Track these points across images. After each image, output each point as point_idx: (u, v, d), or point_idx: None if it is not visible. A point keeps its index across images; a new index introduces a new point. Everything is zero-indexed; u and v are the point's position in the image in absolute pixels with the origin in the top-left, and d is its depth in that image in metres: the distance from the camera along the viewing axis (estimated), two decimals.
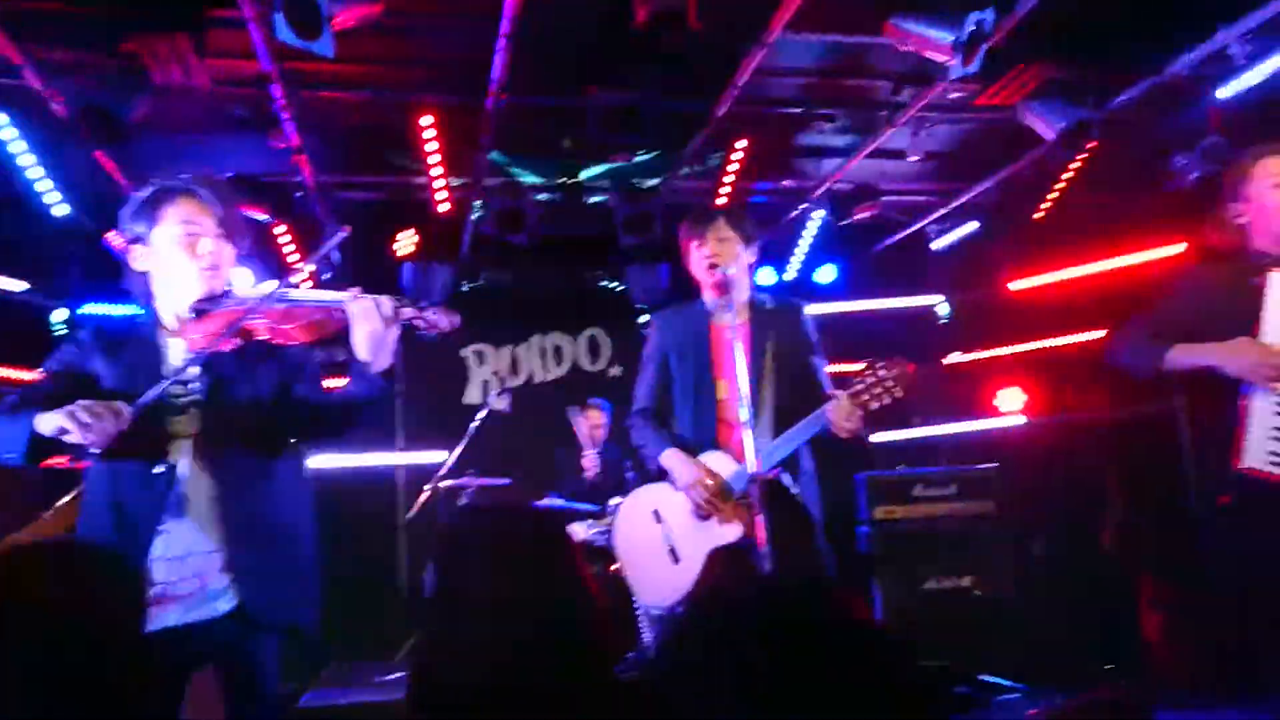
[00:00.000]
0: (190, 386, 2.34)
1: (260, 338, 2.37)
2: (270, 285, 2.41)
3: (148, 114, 4.24)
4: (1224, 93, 4.60)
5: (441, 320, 2.38)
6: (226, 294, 2.39)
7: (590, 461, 6.17)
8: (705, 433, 3.23)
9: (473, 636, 1.38)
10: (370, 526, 6.73)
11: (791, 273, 7.32)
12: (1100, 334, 5.84)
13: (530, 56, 4.11)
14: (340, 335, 2.38)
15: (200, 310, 2.35)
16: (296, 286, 2.74)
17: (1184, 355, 2.84)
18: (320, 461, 6.70)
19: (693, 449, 3.22)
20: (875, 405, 2.95)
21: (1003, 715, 5.09)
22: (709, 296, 3.33)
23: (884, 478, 6.19)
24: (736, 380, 2.91)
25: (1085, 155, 5.53)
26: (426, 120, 5.05)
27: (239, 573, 2.27)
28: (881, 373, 2.94)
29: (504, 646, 1.35)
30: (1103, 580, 6.19)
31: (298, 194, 5.68)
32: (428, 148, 5.21)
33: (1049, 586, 6.17)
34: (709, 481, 3.12)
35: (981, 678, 5.84)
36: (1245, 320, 2.78)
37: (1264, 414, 2.73)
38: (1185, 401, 5.91)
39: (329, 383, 2.56)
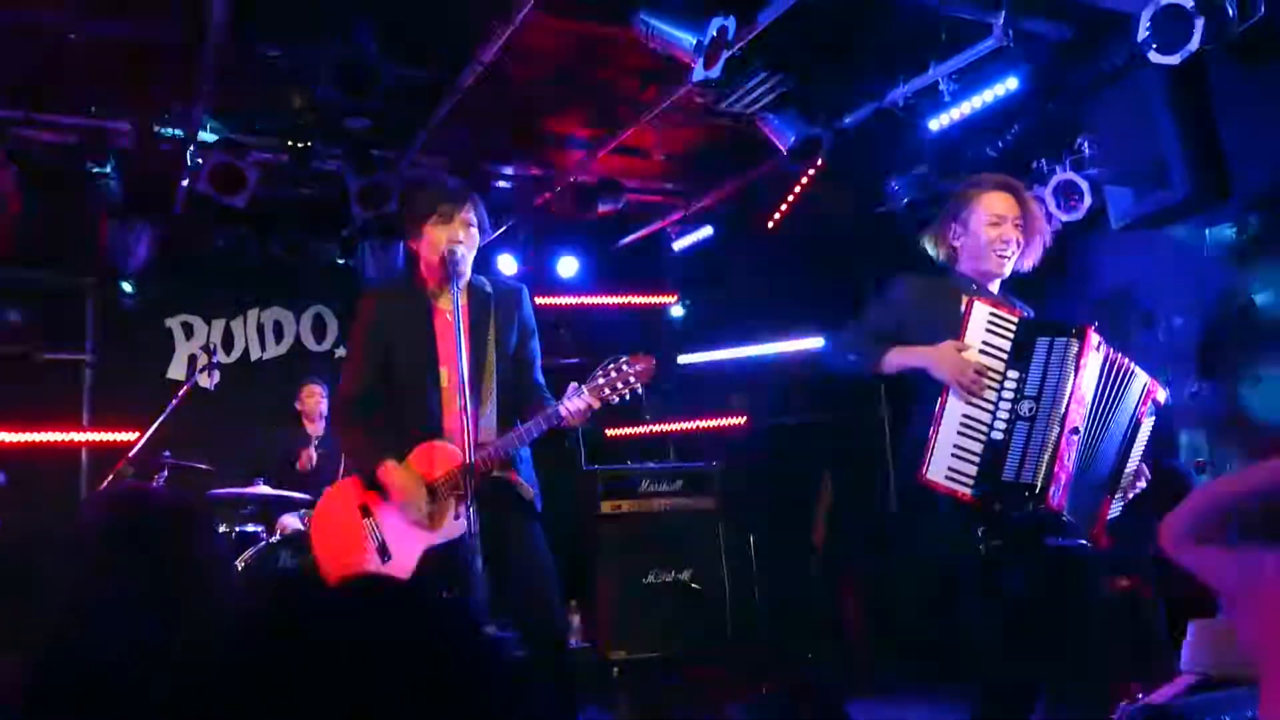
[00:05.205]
0: None
1: None
2: None
3: None
4: (934, 125, 4.97)
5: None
6: None
7: (308, 453, 5.81)
8: (430, 421, 3.09)
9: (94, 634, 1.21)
10: (48, 508, 5.97)
11: (532, 262, 7.22)
12: (818, 340, 6.23)
13: None
14: None
15: None
16: None
17: (899, 357, 3.00)
18: None
19: (417, 438, 3.07)
20: (615, 399, 2.96)
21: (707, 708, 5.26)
22: (431, 277, 3.18)
23: (612, 471, 6.25)
24: (460, 367, 2.81)
25: (814, 170, 5.82)
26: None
27: None
28: (625, 367, 2.96)
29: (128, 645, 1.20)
30: (811, 576, 6.58)
31: None
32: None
33: (762, 581, 6.46)
34: (424, 500, 2.99)
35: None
36: (950, 336, 2.97)
37: (949, 431, 2.91)
38: (889, 411, 6.43)
39: None
